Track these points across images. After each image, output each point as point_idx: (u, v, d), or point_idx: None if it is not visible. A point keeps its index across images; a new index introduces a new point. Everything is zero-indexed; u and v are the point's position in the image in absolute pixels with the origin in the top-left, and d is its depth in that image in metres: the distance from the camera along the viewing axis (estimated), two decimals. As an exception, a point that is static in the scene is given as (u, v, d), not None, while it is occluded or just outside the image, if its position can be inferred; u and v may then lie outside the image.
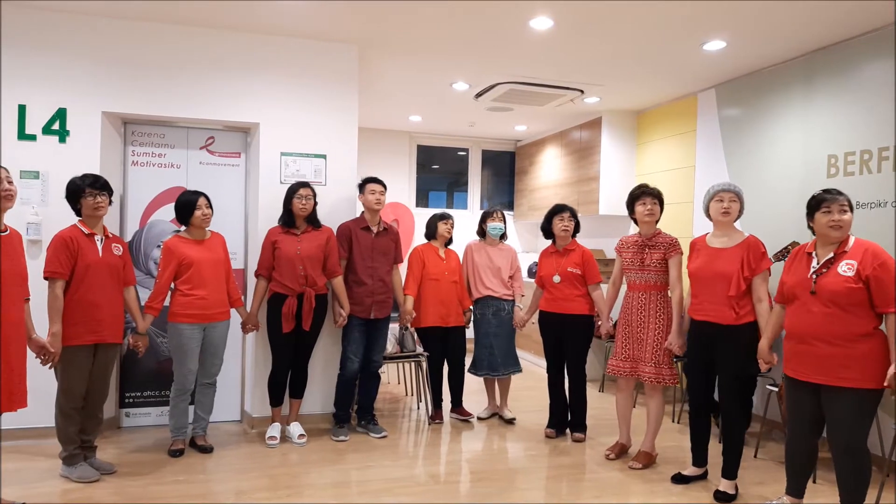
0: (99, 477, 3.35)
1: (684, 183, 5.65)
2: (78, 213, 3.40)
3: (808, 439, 2.95)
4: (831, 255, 2.82)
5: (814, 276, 2.83)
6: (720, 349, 3.32)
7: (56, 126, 3.99)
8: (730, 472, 3.36)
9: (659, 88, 5.53)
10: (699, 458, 3.56)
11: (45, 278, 3.20)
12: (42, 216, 3.90)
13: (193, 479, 3.44)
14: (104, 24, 4.05)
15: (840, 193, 2.83)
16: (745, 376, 3.33)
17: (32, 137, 3.95)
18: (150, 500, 3.16)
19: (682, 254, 3.72)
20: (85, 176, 3.39)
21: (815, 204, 2.87)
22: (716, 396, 3.47)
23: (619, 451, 3.94)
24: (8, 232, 2.84)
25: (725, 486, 3.35)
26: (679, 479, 3.55)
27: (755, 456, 4.01)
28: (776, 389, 4.02)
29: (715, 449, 3.56)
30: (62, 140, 4.00)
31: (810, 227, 2.93)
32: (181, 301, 3.68)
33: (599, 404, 5.14)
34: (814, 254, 2.90)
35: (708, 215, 3.45)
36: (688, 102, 5.65)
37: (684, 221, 5.54)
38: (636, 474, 3.68)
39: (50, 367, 3.19)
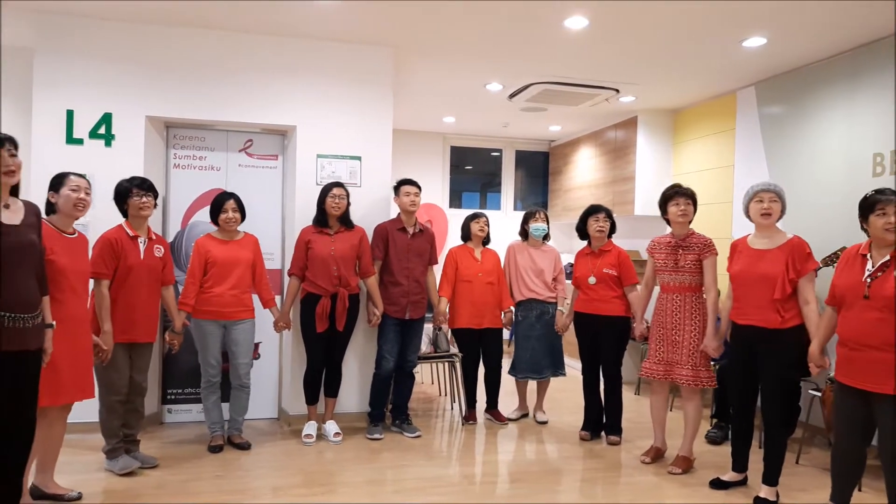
0: (138, 466, 3.46)
1: (723, 183, 5.54)
2: (124, 213, 3.51)
3: (856, 446, 2.85)
4: (887, 258, 2.71)
5: (868, 280, 2.72)
6: (764, 353, 3.23)
7: (102, 130, 4.12)
8: (771, 478, 3.28)
9: (696, 86, 5.44)
10: (739, 463, 3.49)
11: (91, 278, 3.29)
12: (89, 217, 4.02)
13: (231, 475, 3.52)
14: (147, 30, 4.17)
15: (894, 193, 2.72)
16: (791, 381, 3.24)
17: (80, 141, 4.09)
18: (190, 494, 3.25)
19: (717, 255, 3.65)
20: (132, 178, 3.52)
21: (869, 206, 2.76)
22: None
23: (655, 456, 3.89)
24: (76, 235, 3.04)
25: (766, 492, 3.27)
26: (718, 484, 3.49)
27: (797, 462, 3.91)
28: (819, 395, 3.91)
29: (756, 454, 3.49)
30: (108, 144, 4.13)
31: (864, 230, 2.82)
32: (201, 298, 3.80)
33: (635, 407, 5.07)
34: (868, 256, 2.78)
35: (748, 216, 3.36)
36: (726, 100, 5.54)
37: (723, 222, 5.43)
38: (673, 479, 3.63)
39: (104, 364, 3.31)
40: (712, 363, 3.72)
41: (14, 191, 2.55)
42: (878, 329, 2.66)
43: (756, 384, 3.34)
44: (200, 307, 3.79)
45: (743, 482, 3.49)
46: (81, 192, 2.99)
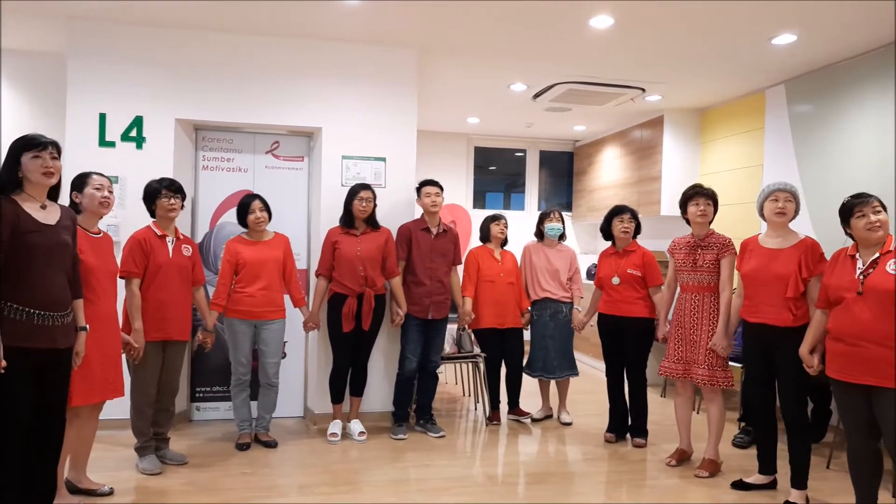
0: (161, 469, 3.50)
1: (751, 183, 5.46)
2: (152, 213, 3.58)
3: (866, 443, 2.83)
4: (876, 255, 2.79)
5: (861, 277, 2.77)
6: (779, 353, 3.24)
7: (133, 133, 4.21)
8: (799, 481, 3.24)
9: (724, 85, 5.37)
10: (766, 465, 3.44)
11: (121, 277, 3.35)
12: (120, 218, 4.12)
13: (259, 472, 3.57)
14: (176, 35, 4.25)
15: (869, 196, 2.84)
16: (806, 379, 3.21)
17: (112, 144, 4.18)
18: (218, 490, 3.30)
19: (735, 254, 3.62)
20: (161, 179, 3.59)
21: (847, 211, 2.89)
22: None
23: (680, 458, 3.85)
24: (101, 235, 3.09)
25: (795, 496, 3.22)
26: (740, 485, 3.45)
27: (828, 467, 3.84)
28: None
29: (785, 457, 3.43)
30: (139, 146, 4.22)
31: (849, 235, 2.91)
32: (233, 297, 3.86)
33: (661, 409, 5.03)
34: (857, 255, 2.86)
35: (762, 215, 3.38)
36: (755, 99, 5.46)
37: (751, 222, 5.34)
38: (699, 482, 3.59)
39: (135, 362, 3.38)
40: (737, 365, 3.67)
41: (53, 194, 2.62)
42: (875, 324, 2.70)
43: (773, 383, 3.33)
44: (232, 307, 3.86)
45: (771, 485, 3.44)
46: (105, 191, 3.03)
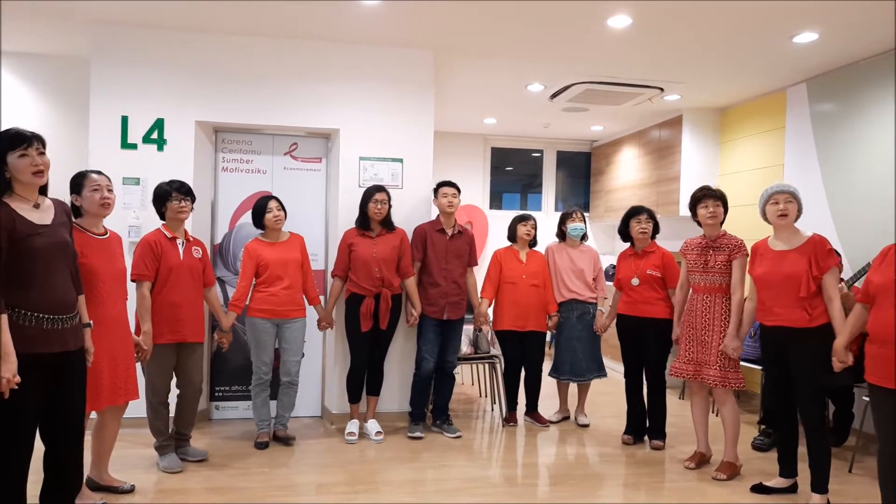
0: (182, 468, 3.54)
1: (771, 182, 5.37)
2: (162, 216, 3.58)
3: None
4: None
5: None
6: (795, 354, 3.21)
7: (154, 135, 4.27)
8: (819, 485, 3.20)
9: (744, 84, 5.31)
10: (786, 468, 3.40)
11: (132, 280, 3.34)
12: (142, 219, 4.18)
13: (277, 471, 3.60)
14: (197, 38, 4.31)
15: None
16: (821, 381, 3.17)
17: (133, 146, 4.24)
18: (237, 489, 3.34)
19: (747, 255, 3.61)
20: (172, 181, 3.58)
21: None
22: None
23: (699, 461, 3.82)
24: (108, 235, 3.00)
25: (817, 500, 3.19)
26: (760, 489, 3.41)
27: (850, 471, 3.78)
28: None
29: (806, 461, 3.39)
30: (160, 148, 4.28)
31: None
32: (256, 297, 3.89)
33: (680, 412, 4.98)
34: None
35: (765, 218, 3.37)
36: (776, 98, 5.39)
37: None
38: (718, 484, 3.55)
39: (143, 364, 3.39)
40: (758, 367, 3.63)
41: (43, 190, 2.47)
42: None
43: (792, 386, 3.29)
44: (255, 306, 3.89)
45: (792, 489, 3.40)
46: (104, 191, 2.90)
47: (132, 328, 3.25)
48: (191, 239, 3.64)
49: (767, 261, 3.32)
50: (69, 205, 2.75)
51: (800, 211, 3.30)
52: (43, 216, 2.41)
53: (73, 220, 2.75)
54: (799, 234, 3.29)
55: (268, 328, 3.92)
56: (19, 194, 2.36)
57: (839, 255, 3.29)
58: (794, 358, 3.22)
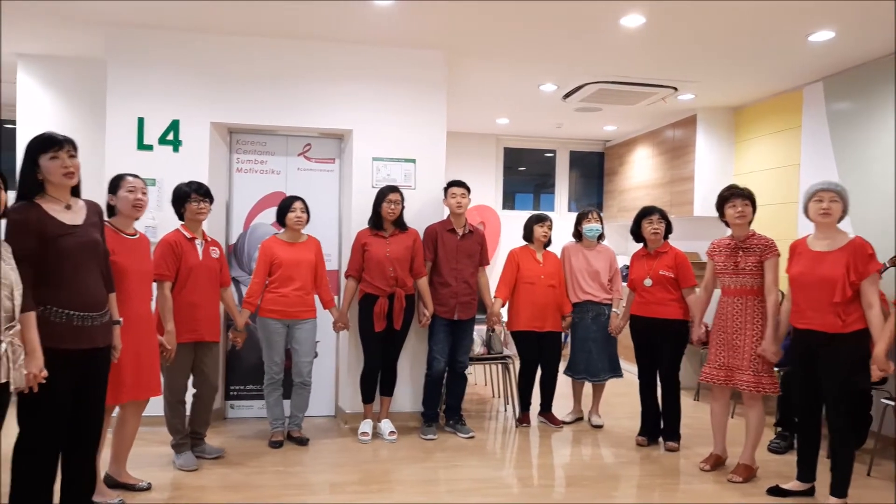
0: (197, 466, 3.57)
1: (787, 182, 5.35)
2: (181, 216, 3.63)
3: None
4: None
5: None
6: (825, 359, 3.13)
7: (170, 137, 4.31)
8: (839, 489, 3.15)
9: (760, 83, 5.27)
10: (805, 472, 3.36)
11: (154, 280, 3.37)
12: (158, 220, 4.22)
13: (291, 470, 3.62)
14: (211, 40, 4.34)
15: None
16: (854, 387, 3.11)
17: (150, 147, 4.28)
18: (252, 487, 3.36)
19: (779, 255, 3.52)
20: (190, 182, 3.64)
21: None
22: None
23: (715, 463, 3.79)
24: (137, 236, 3.11)
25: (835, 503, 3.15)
26: (777, 492, 3.38)
27: (868, 474, 3.74)
28: (893, 403, 3.73)
29: (824, 465, 3.36)
30: (175, 149, 4.31)
31: None
32: (267, 297, 3.91)
33: (694, 413, 4.95)
34: None
35: (807, 216, 3.25)
36: (792, 97, 5.34)
37: (787, 223, 5.24)
38: (733, 487, 3.53)
39: (168, 363, 3.44)
40: (776, 369, 3.59)
41: (75, 191, 2.58)
42: None
43: (819, 390, 3.23)
44: (267, 306, 3.92)
45: (809, 492, 3.36)
46: (138, 193, 3.03)
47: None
48: (209, 239, 3.69)
49: (805, 260, 3.21)
50: (104, 205, 2.94)
51: (845, 211, 3.16)
52: (74, 217, 2.51)
53: (107, 219, 2.89)
54: (841, 235, 3.16)
55: (278, 328, 3.94)
56: (51, 195, 2.47)
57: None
58: (825, 363, 3.13)
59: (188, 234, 3.57)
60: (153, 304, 3.23)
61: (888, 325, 2.92)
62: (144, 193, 3.08)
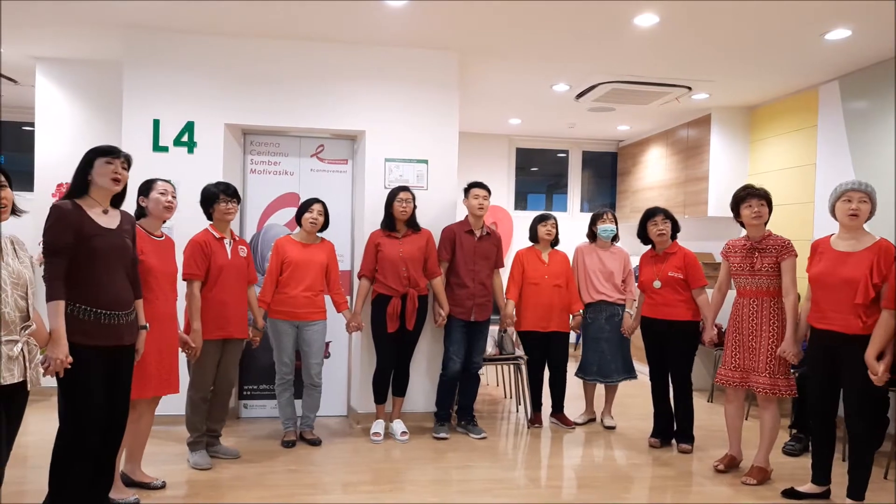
0: (211, 464, 3.61)
1: (803, 182, 5.30)
2: (209, 217, 3.69)
3: None
4: None
5: None
6: (845, 360, 3.09)
7: (185, 138, 4.35)
8: (856, 492, 3.12)
9: (775, 82, 5.23)
10: (820, 474, 3.33)
11: (183, 279, 3.49)
12: (174, 221, 4.24)
13: (304, 470, 3.64)
14: (225, 43, 4.38)
15: None
16: (875, 392, 3.07)
17: (165, 149, 4.33)
18: (266, 486, 3.38)
19: (796, 256, 3.49)
20: (218, 183, 3.71)
21: None
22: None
23: (729, 464, 3.76)
24: (164, 238, 3.23)
25: (851, 507, 3.11)
26: (792, 494, 3.35)
27: (885, 477, 3.70)
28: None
29: (840, 467, 3.32)
30: (190, 151, 4.36)
31: None
32: (276, 298, 3.95)
33: (707, 415, 4.92)
34: None
35: (834, 216, 3.20)
36: (808, 96, 5.29)
37: (804, 223, 5.19)
38: (747, 489, 3.50)
39: (193, 361, 3.50)
40: (792, 371, 3.56)
41: (116, 201, 2.75)
42: None
43: (837, 391, 3.20)
44: (276, 307, 3.95)
45: (824, 495, 3.33)
46: (169, 196, 3.18)
47: (181, 326, 3.44)
48: (237, 238, 3.76)
49: (827, 260, 3.17)
50: (136, 206, 3.18)
51: (872, 212, 3.12)
52: (109, 221, 2.67)
53: (137, 221, 3.03)
54: (867, 235, 3.12)
55: (287, 329, 3.97)
56: (93, 198, 2.64)
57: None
58: (847, 364, 3.09)
59: (217, 234, 3.63)
60: (178, 304, 3.30)
61: (878, 328, 2.92)
62: (174, 197, 3.23)
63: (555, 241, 4.62)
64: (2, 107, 6.21)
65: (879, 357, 2.94)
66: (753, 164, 6.01)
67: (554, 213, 4.72)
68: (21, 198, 2.62)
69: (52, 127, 5.02)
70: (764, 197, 3.55)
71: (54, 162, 5.00)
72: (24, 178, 5.65)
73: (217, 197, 3.62)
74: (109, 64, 4.88)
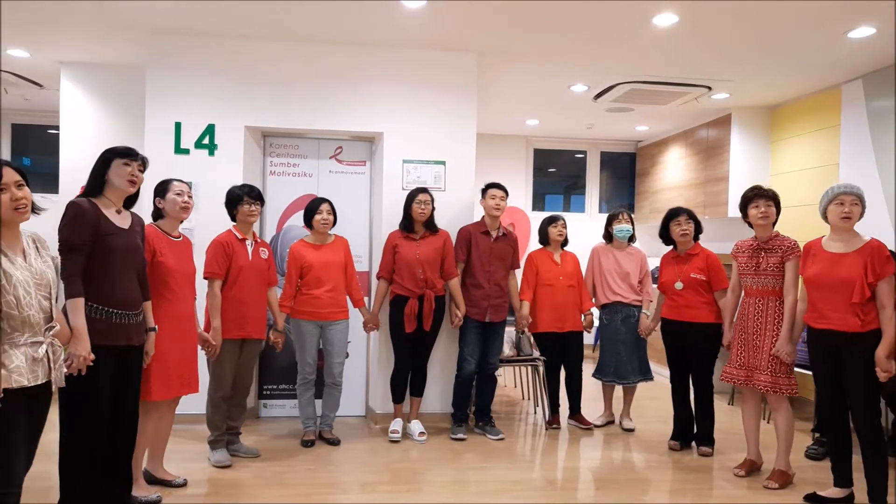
0: (231, 462, 3.65)
1: (825, 182, 5.18)
2: (233, 218, 3.74)
3: None
4: None
5: None
6: (847, 359, 3.12)
7: (206, 141, 4.41)
8: (877, 495, 3.09)
9: (796, 81, 5.16)
10: (841, 477, 3.29)
11: (205, 278, 3.55)
12: (194, 222, 4.31)
13: (323, 469, 3.67)
14: (246, 46, 4.43)
15: None
16: (877, 386, 3.07)
17: (186, 151, 4.39)
18: (285, 485, 3.42)
19: (800, 257, 3.48)
20: (243, 186, 3.76)
21: None
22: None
23: (749, 469, 3.72)
24: (181, 239, 3.26)
25: (873, 512, 3.07)
26: (814, 499, 3.31)
27: (911, 483, 3.63)
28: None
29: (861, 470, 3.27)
30: (211, 153, 4.41)
31: None
32: (300, 299, 3.98)
33: (728, 418, 4.86)
34: None
35: (825, 218, 3.27)
36: (830, 95, 5.22)
37: (825, 224, 5.11)
38: (769, 493, 3.46)
39: (213, 359, 3.54)
40: (809, 372, 3.51)
41: (129, 203, 2.79)
42: None
43: (844, 390, 3.19)
44: (299, 308, 3.98)
45: (848, 500, 3.28)
46: (185, 196, 3.20)
47: (201, 325, 3.48)
48: (258, 240, 3.80)
49: (821, 262, 3.23)
50: (153, 208, 3.22)
51: (862, 214, 3.20)
52: (122, 221, 2.71)
53: (154, 222, 3.13)
54: (857, 237, 3.19)
55: (311, 330, 4.00)
56: (108, 198, 2.68)
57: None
58: (848, 363, 3.12)
59: (239, 235, 3.69)
60: (196, 304, 3.34)
61: (889, 326, 2.95)
62: (190, 197, 3.25)
63: (564, 242, 4.61)
64: (25, 111, 6.36)
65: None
66: (775, 164, 5.94)
67: (570, 215, 4.71)
68: (46, 200, 2.69)
69: (77, 130, 5.11)
70: (772, 198, 3.58)
71: (79, 164, 5.08)
72: (49, 181, 5.76)
73: (241, 199, 3.67)
74: (132, 68, 4.96)
